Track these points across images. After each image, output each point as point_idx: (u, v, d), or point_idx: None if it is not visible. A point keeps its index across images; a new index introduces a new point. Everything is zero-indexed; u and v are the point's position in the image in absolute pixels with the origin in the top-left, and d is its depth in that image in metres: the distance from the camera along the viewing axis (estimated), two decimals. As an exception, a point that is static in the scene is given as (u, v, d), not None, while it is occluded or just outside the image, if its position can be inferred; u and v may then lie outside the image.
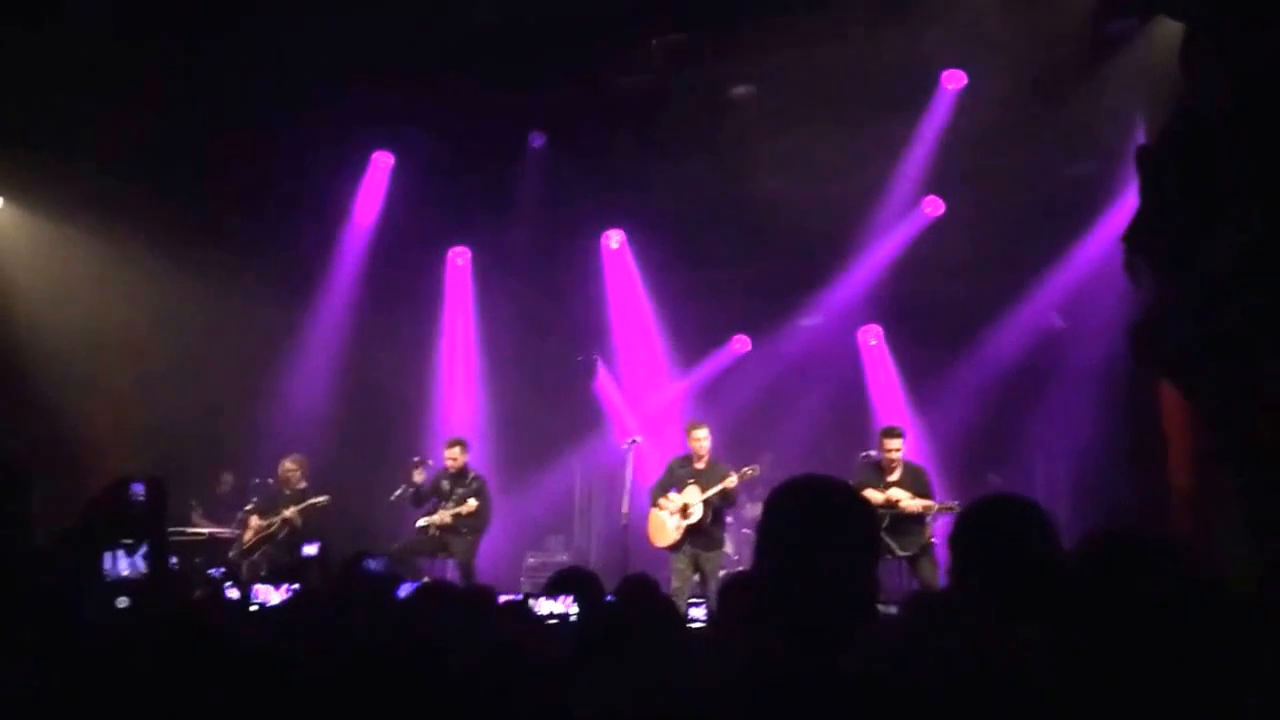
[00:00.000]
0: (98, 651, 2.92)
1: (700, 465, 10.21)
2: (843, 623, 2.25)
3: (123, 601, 2.87)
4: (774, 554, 2.36)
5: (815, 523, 2.31)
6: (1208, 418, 8.11)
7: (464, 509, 10.62)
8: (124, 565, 2.92)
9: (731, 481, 9.92)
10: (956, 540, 3.03)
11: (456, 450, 11.04)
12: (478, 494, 10.75)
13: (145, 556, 2.92)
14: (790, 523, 2.35)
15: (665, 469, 10.44)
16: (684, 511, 10.00)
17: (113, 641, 2.98)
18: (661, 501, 10.17)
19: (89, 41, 10.00)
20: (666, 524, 10.07)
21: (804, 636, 2.21)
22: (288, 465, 11.44)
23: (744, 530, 12.50)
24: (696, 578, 9.93)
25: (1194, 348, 7.52)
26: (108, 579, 2.90)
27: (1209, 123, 6.65)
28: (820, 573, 2.25)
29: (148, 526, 3.98)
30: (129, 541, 2.92)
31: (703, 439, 10.25)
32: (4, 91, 10.16)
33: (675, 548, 10.01)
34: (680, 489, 10.13)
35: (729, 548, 12.04)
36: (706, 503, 9.96)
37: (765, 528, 2.38)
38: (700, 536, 9.98)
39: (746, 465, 10.18)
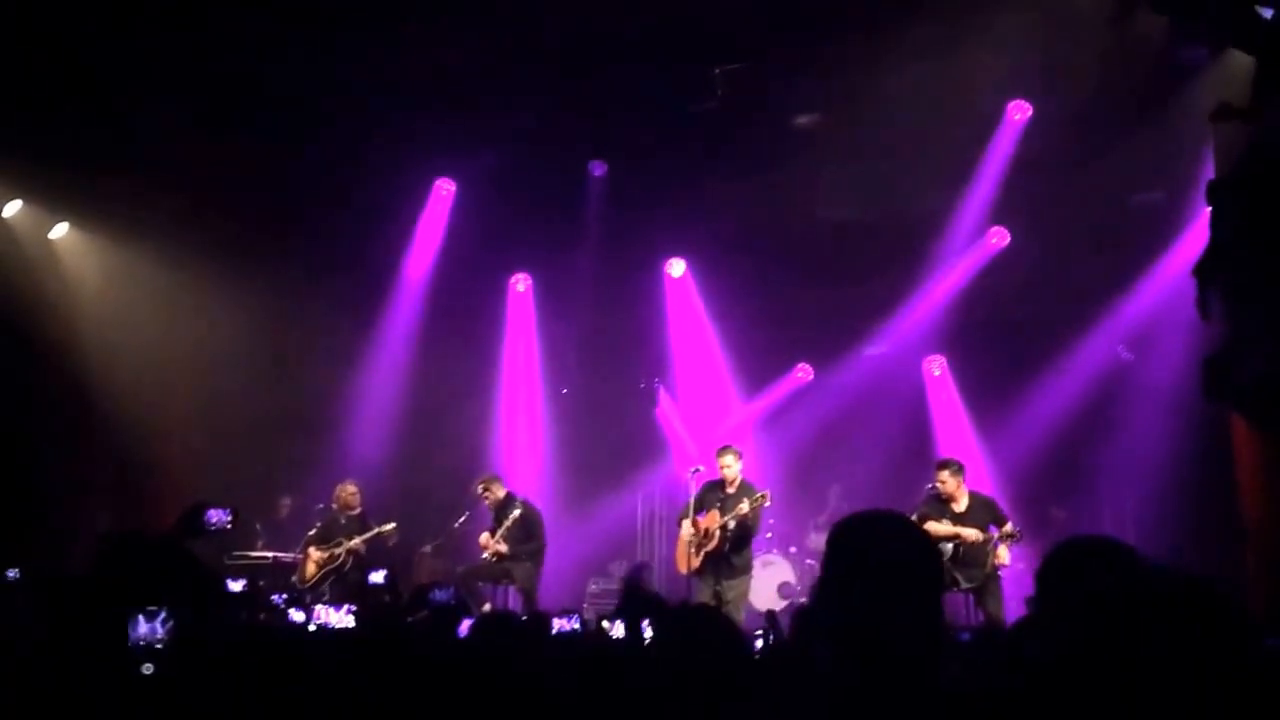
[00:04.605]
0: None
1: (730, 490, 10.04)
2: (916, 654, 2.22)
3: (148, 668, 2.88)
4: (839, 588, 2.34)
5: (879, 558, 2.29)
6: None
7: (507, 522, 10.61)
8: (145, 629, 2.92)
9: (744, 508, 9.67)
10: (1043, 578, 3.02)
11: (479, 487, 11.12)
12: (523, 515, 10.73)
13: (164, 622, 2.92)
14: (853, 559, 2.33)
15: (698, 491, 10.21)
16: (704, 537, 9.90)
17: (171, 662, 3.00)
18: (685, 524, 10.08)
19: (156, 64, 10.17)
20: (688, 549, 9.99)
21: (879, 668, 2.19)
22: (348, 490, 11.42)
23: (809, 561, 12.39)
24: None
25: (1267, 380, 7.42)
26: (132, 644, 2.90)
27: (1281, 155, 6.57)
28: (888, 609, 2.23)
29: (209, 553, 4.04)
30: (151, 608, 2.92)
31: (729, 464, 10.08)
32: (70, 115, 10.35)
33: (699, 574, 9.92)
34: (707, 513, 10.02)
35: (790, 576, 11.97)
36: (723, 529, 9.80)
37: (828, 561, 2.37)
38: (721, 564, 9.86)
39: (760, 492, 9.89)
